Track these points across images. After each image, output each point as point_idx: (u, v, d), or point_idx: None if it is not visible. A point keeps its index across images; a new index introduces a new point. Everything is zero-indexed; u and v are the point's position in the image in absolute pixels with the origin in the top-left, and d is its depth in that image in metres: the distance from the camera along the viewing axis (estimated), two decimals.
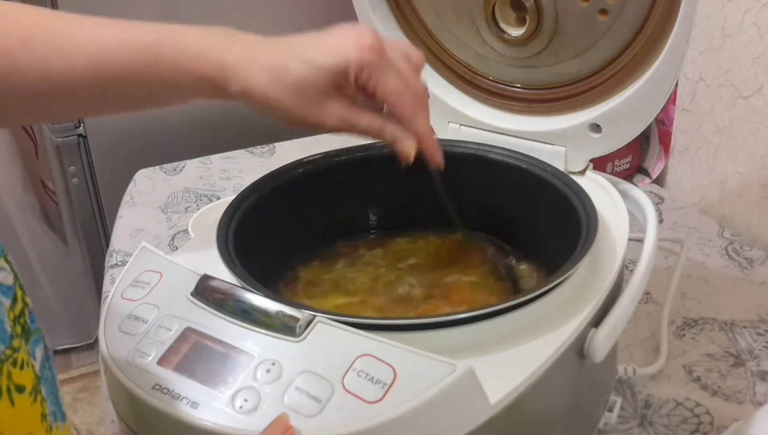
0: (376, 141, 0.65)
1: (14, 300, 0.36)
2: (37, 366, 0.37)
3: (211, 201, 1.00)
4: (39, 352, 0.38)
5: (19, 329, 0.36)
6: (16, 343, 0.35)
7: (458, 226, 0.61)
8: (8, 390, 0.34)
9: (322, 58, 0.49)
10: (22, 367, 0.35)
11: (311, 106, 0.50)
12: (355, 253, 0.64)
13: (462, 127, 0.67)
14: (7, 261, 0.36)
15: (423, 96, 0.54)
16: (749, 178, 0.87)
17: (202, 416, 0.39)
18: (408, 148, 0.53)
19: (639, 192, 0.60)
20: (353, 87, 0.51)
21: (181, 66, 0.48)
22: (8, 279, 0.36)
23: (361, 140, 0.56)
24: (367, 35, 0.50)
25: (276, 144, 1.15)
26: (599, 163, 0.62)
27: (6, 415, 0.34)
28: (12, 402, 0.34)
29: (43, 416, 0.37)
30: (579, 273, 0.49)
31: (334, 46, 0.50)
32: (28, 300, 0.38)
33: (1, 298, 0.35)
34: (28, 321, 0.38)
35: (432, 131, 0.55)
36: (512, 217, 0.63)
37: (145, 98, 0.51)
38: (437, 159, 0.55)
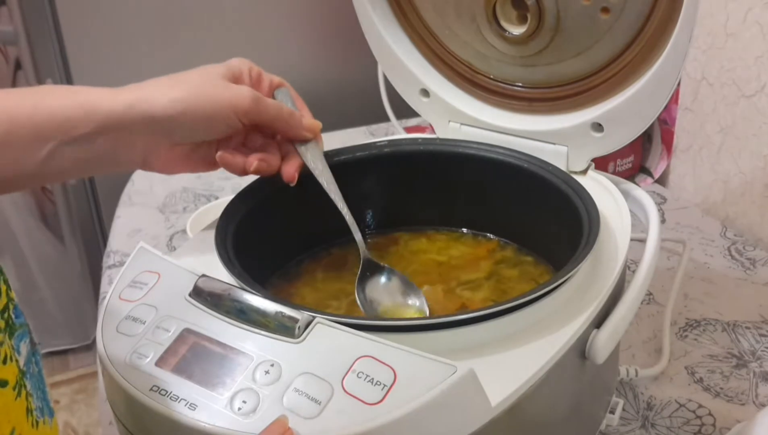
0: (374, 141, 0.65)
1: None
2: (22, 361, 0.37)
3: (210, 201, 0.99)
4: (24, 347, 0.38)
5: (2, 324, 0.36)
6: None
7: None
8: None
9: (215, 64, 0.55)
10: (5, 362, 0.35)
11: (226, 89, 0.53)
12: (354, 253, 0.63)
13: (463, 126, 0.66)
14: None
15: None
16: (752, 177, 0.87)
17: (200, 418, 0.39)
18: (315, 122, 0.58)
19: (641, 192, 0.60)
20: (248, 80, 0.56)
21: (77, 107, 0.48)
22: None
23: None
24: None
25: None
26: (601, 163, 0.62)
27: None
28: None
29: (29, 411, 0.36)
30: (581, 273, 0.49)
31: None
32: (12, 295, 0.37)
33: None
34: (13, 316, 0.37)
35: None
36: (513, 217, 0.62)
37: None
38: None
